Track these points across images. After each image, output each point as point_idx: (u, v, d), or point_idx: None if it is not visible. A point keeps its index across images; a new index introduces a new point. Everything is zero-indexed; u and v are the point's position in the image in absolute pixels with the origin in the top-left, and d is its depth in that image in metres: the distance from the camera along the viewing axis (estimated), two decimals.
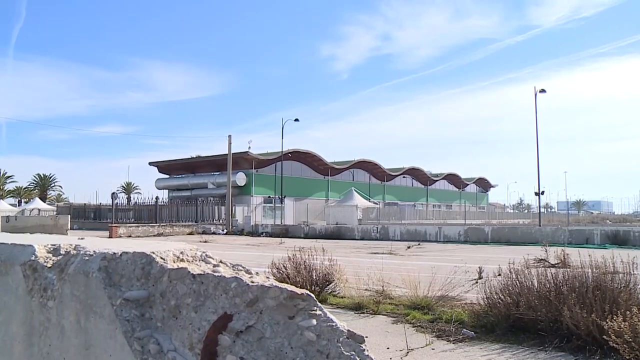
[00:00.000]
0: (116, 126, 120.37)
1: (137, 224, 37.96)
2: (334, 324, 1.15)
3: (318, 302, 1.17)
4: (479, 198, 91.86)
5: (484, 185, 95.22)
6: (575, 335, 5.52)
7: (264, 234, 37.24)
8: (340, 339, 1.15)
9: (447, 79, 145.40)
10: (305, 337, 1.17)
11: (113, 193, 43.53)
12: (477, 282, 9.55)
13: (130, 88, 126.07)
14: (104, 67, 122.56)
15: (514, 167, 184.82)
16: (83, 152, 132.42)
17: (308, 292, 1.16)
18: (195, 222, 42.33)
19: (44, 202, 60.96)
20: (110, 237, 30.07)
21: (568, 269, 6.82)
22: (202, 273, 1.34)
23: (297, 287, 1.24)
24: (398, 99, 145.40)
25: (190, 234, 37.13)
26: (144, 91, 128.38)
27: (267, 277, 1.25)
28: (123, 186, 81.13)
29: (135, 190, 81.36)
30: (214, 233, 37.93)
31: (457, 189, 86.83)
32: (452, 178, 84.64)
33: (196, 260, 1.49)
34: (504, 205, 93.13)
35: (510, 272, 6.62)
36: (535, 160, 35.06)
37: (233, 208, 43.51)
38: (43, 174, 74.90)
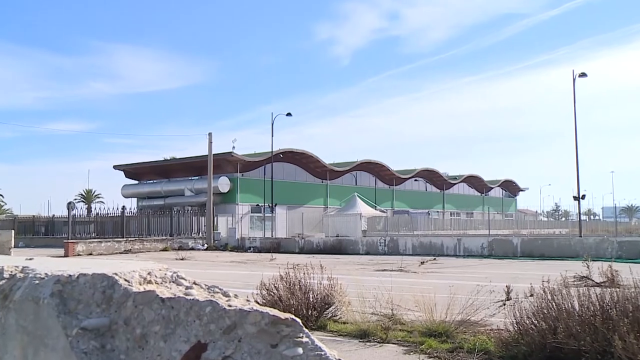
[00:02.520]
0: (74, 122, 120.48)
1: (99, 240, 37.88)
2: (323, 353, 1.16)
3: (305, 328, 1.18)
4: (505, 204, 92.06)
5: (511, 188, 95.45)
6: None
7: (252, 248, 37.18)
8: None
9: (465, 65, 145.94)
10: None
11: (69, 203, 43.40)
12: (504, 304, 9.54)
13: (91, 77, 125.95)
14: (60, 51, 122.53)
15: (547, 167, 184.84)
16: (32, 154, 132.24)
17: (293, 316, 1.18)
18: (170, 235, 42.29)
19: None
20: (65, 255, 30.05)
21: (617, 289, 6.76)
22: (173, 296, 1.35)
23: (292, 311, 1.25)
24: (408, 88, 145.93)
25: (164, 250, 37.05)
26: (109, 81, 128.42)
27: (247, 300, 1.26)
28: (82, 194, 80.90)
29: (97, 199, 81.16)
30: (192, 249, 37.87)
31: (479, 194, 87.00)
32: (473, 181, 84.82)
33: (166, 282, 1.50)
34: (536, 212, 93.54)
35: (544, 292, 6.59)
36: (573, 159, 34.59)
37: (215, 219, 43.47)
38: None
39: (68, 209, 42.84)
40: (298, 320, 1.20)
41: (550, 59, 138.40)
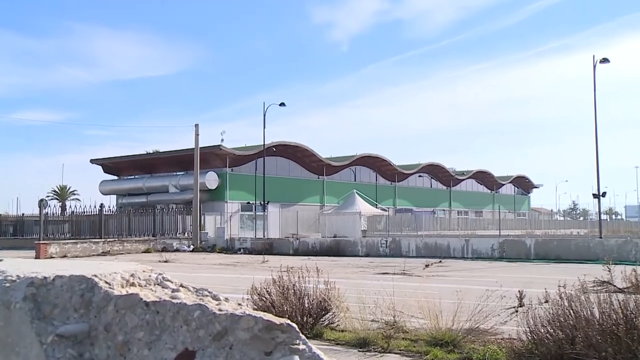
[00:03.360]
0: (46, 112, 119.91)
1: (74, 240, 37.83)
2: None
3: (301, 334, 1.18)
4: (517, 202, 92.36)
5: (523, 185, 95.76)
6: None
7: (242, 250, 37.22)
8: None
9: (474, 51, 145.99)
10: None
11: (41, 200, 43.20)
12: (517, 311, 9.59)
13: (65, 62, 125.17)
14: (28, 33, 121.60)
15: (563, 161, 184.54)
16: None
17: (289, 321, 1.17)
18: (153, 236, 42.28)
19: None
20: (37, 257, 29.97)
21: None
22: (158, 300, 1.35)
23: (285, 317, 1.25)
24: (411, 76, 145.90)
25: (147, 251, 37.05)
26: (85, 67, 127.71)
27: (239, 304, 1.26)
28: (55, 191, 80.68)
29: (73, 196, 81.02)
30: (177, 250, 37.89)
31: (489, 191, 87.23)
32: (482, 177, 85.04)
33: (150, 285, 1.50)
34: (552, 210, 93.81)
35: (561, 297, 6.61)
36: (593, 153, 34.41)
37: (202, 218, 43.48)
38: None
39: (40, 206, 42.65)
40: (294, 325, 1.19)
41: (566, 44, 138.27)
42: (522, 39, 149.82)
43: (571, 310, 6.38)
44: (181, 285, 1.48)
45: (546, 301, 8.63)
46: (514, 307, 10.08)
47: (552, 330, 6.42)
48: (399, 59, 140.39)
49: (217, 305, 1.28)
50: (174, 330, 1.28)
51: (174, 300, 1.32)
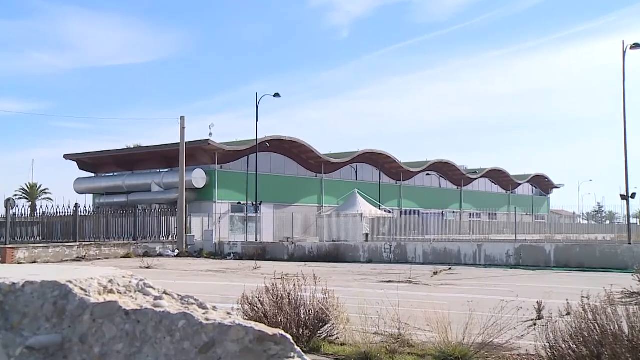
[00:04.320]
0: (12, 101, 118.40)
1: (45, 244, 37.80)
2: None
3: (296, 346, 1.18)
4: (536, 204, 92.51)
5: (542, 185, 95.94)
6: None
7: (232, 255, 37.28)
8: None
9: (489, 36, 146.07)
10: None
11: (8, 199, 43.20)
12: (535, 324, 9.59)
13: (35, 46, 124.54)
14: None
15: (587, 159, 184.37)
16: None
17: (282, 332, 1.17)
18: (134, 239, 42.31)
19: None
20: (2, 262, 29.99)
21: None
22: (139, 308, 1.34)
23: (279, 329, 1.25)
24: (418, 65, 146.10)
25: (127, 256, 37.09)
26: (57, 52, 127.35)
27: (228, 313, 1.26)
28: (24, 189, 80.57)
29: (44, 195, 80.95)
30: (160, 255, 37.92)
31: (504, 191, 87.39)
32: (496, 176, 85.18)
33: (131, 292, 1.50)
34: (574, 213, 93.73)
35: (585, 310, 6.61)
36: (621, 150, 34.16)
37: (188, 219, 43.51)
38: None
39: (6, 207, 42.64)
40: (288, 336, 1.19)
41: (591, 29, 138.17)
42: (542, 23, 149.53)
43: (596, 324, 6.37)
44: (164, 293, 1.47)
45: (568, 314, 8.64)
46: (531, 320, 10.09)
47: (574, 346, 6.42)
48: (405, 46, 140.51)
49: (204, 314, 1.28)
50: (156, 342, 1.28)
51: (156, 309, 1.32)
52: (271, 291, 9.13)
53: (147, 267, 27.63)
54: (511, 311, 9.17)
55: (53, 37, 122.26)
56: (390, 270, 24.94)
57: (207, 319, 1.25)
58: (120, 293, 1.50)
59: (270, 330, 1.20)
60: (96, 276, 1.54)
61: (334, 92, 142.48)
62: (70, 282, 1.47)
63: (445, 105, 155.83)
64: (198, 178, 50.33)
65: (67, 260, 34.59)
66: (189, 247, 40.23)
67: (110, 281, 1.53)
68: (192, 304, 1.36)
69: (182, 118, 43.05)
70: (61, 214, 46.13)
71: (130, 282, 1.56)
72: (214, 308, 1.33)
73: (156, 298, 1.44)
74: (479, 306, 9.94)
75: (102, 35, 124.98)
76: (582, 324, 6.49)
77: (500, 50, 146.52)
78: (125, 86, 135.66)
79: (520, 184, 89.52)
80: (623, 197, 35.20)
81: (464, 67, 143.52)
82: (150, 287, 1.53)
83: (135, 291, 1.52)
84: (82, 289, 1.47)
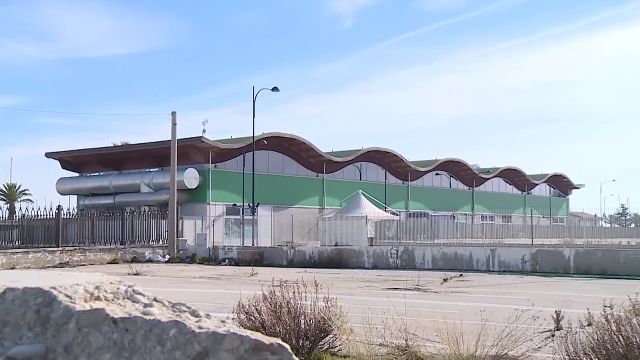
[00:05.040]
0: None
1: (25, 249, 37.77)
2: None
3: (294, 357, 1.17)
4: (554, 205, 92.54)
5: (561, 185, 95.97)
6: None
7: (227, 260, 37.28)
8: None
9: (503, 25, 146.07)
10: None
11: None
12: (553, 335, 9.60)
13: (12, 35, 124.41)
14: None
15: (610, 158, 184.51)
16: None
17: (280, 341, 1.16)
18: (122, 244, 42.33)
19: None
20: None
21: None
22: (127, 316, 1.34)
23: (277, 338, 1.24)
24: (426, 57, 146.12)
25: (114, 262, 37.09)
26: (37, 41, 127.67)
27: (223, 322, 1.25)
28: (2, 190, 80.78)
29: (24, 197, 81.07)
30: (149, 261, 37.92)
31: (520, 192, 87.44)
32: (510, 175, 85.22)
33: (119, 299, 1.50)
34: (595, 216, 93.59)
35: (607, 320, 6.60)
36: None
37: (180, 222, 43.51)
38: None
39: None
40: (286, 346, 1.19)
41: (612, 17, 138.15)
42: (564, 9, 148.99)
43: (620, 336, 6.36)
44: (155, 300, 1.47)
45: (589, 324, 8.63)
46: (549, 331, 10.09)
47: (596, 359, 6.40)
48: (412, 36, 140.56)
49: (196, 322, 1.27)
50: (146, 352, 1.27)
51: (146, 317, 1.31)
52: (269, 299, 9.13)
53: (135, 274, 27.63)
54: (527, 321, 9.16)
55: (32, 26, 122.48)
56: (396, 277, 24.94)
57: (200, 328, 1.24)
58: (108, 300, 1.49)
59: (267, 340, 1.20)
60: (82, 282, 1.54)
61: (336, 86, 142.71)
62: (54, 288, 1.47)
63: (455, 99, 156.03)
64: (190, 178, 50.38)
65: (49, 267, 34.52)
66: (181, 252, 40.23)
67: (97, 287, 1.53)
68: (184, 311, 1.36)
69: (174, 113, 43.05)
70: (42, 217, 46.09)
71: (118, 288, 1.56)
72: (207, 316, 1.32)
73: (146, 305, 1.44)
74: (493, 316, 9.94)
75: (86, 24, 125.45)
76: (605, 335, 6.48)
77: (515, 40, 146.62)
78: (111, 79, 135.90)
79: (536, 184, 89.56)
80: None
81: (474, 59, 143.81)
82: (140, 293, 1.53)
83: (124, 298, 1.51)
84: (67, 295, 1.46)
